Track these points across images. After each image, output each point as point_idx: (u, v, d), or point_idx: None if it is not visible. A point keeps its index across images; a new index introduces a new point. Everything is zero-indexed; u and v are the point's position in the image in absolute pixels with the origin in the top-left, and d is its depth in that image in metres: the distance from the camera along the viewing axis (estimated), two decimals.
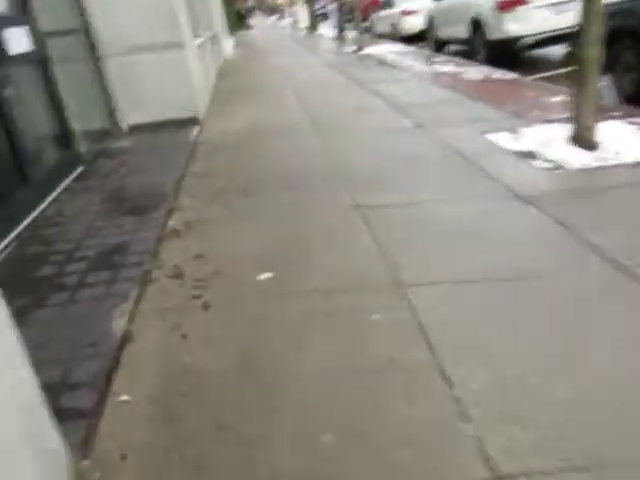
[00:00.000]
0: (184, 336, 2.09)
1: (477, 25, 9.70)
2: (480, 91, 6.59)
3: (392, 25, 15.94)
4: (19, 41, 3.69)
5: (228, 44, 14.57)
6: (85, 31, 5.44)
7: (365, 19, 17.36)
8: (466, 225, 2.90)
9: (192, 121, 5.92)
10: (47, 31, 4.52)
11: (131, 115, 5.83)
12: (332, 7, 34.98)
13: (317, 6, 29.01)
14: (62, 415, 1.63)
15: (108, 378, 1.85)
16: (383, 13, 16.74)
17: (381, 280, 2.42)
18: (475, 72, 8.15)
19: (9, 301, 2.43)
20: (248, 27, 32.32)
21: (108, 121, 5.73)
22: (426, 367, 1.82)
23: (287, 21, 40.61)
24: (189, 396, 1.76)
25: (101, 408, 1.72)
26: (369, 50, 13.13)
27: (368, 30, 18.43)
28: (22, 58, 3.80)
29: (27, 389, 1.33)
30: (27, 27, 3.82)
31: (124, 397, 1.77)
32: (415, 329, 2.03)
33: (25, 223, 3.32)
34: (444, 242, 2.74)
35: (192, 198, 3.69)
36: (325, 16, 33.31)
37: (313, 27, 22.80)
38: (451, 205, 3.21)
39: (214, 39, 10.72)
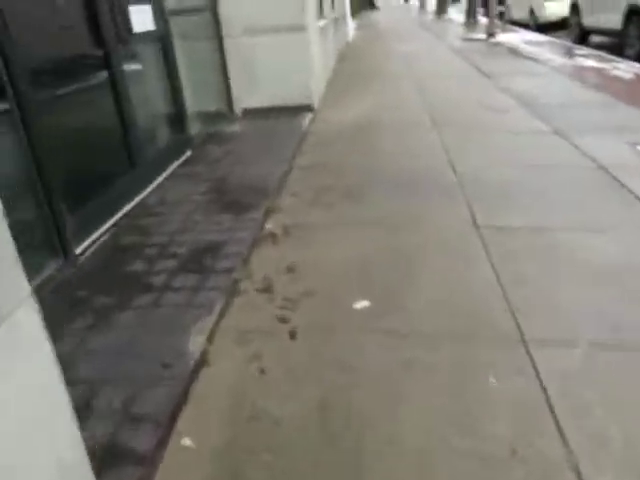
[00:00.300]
0: (262, 371, 1.85)
1: (633, 14, 8.52)
2: (632, 93, 5.71)
3: (531, 10, 14.65)
4: (143, 19, 3.64)
5: (351, 26, 14.22)
6: (211, 10, 5.38)
7: (500, 2, 16.16)
8: (608, 266, 2.38)
9: (306, 108, 5.70)
10: (174, 9, 4.48)
11: (246, 99, 5.73)
12: None
13: None
14: (116, 456, 1.46)
15: (174, 413, 1.65)
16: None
17: (499, 329, 2.01)
18: (626, 70, 7.14)
19: (94, 298, 2.38)
20: (374, 7, 31.66)
21: (223, 104, 5.68)
22: (558, 467, 1.42)
23: (414, 3, 39.32)
24: (257, 455, 1.51)
25: (161, 452, 1.52)
26: (501, 38, 12.16)
27: (502, 16, 17.19)
28: (145, 36, 3.75)
29: (68, 447, 1.14)
30: (151, 5, 3.75)
31: (187, 442, 1.56)
32: (542, 409, 1.62)
33: (126, 209, 3.28)
34: (579, 286, 2.25)
35: (294, 197, 3.46)
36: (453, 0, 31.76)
37: (442, 10, 21.75)
38: (590, 237, 2.68)
39: (338, 21, 10.43)
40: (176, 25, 4.77)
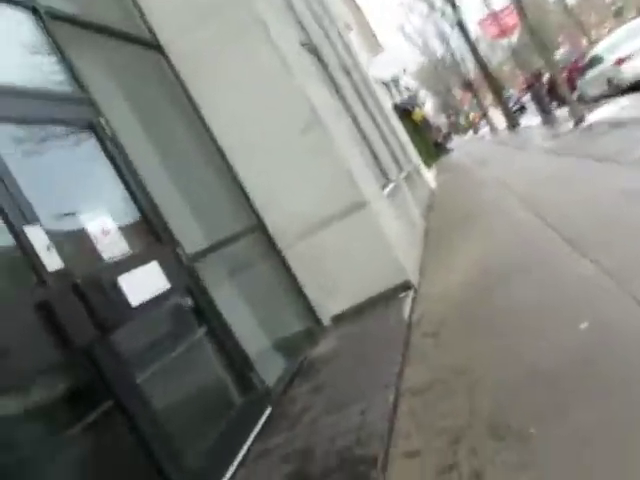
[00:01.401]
0: None
1: None
2: None
3: (608, 80, 13.33)
4: (147, 281, 2.83)
5: (429, 174, 13.63)
6: (258, 228, 4.69)
7: (573, 89, 15.05)
8: None
9: (403, 287, 4.51)
10: (208, 246, 3.79)
11: (330, 305, 4.69)
12: (526, 97, 33.14)
13: (510, 103, 27.45)
14: None
15: None
16: (591, 73, 14.30)
17: None
18: None
19: None
20: (447, 151, 32.02)
21: (305, 322, 4.67)
22: None
23: (484, 130, 39.67)
24: None
25: None
26: (593, 117, 10.75)
27: (579, 100, 15.98)
28: (159, 300, 2.92)
29: None
30: (157, 260, 2.97)
31: None
32: None
33: None
34: None
35: (410, 462, 2.05)
36: (522, 109, 31.41)
37: (513, 123, 21.04)
38: None
39: (410, 175, 9.73)
40: (219, 262, 4.05)
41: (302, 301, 4.68)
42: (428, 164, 15.14)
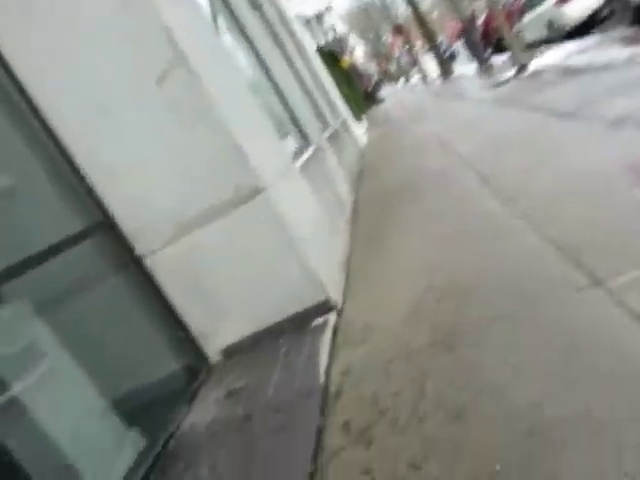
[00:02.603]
0: None
1: None
2: None
3: (549, 23, 12.25)
4: None
5: (359, 130, 12.21)
6: (107, 227, 3.14)
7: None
8: None
9: (320, 309, 3.16)
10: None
11: (218, 333, 3.28)
12: (458, 43, 32.06)
13: (440, 50, 26.20)
14: None
15: None
16: (529, 17, 13.17)
17: None
18: None
19: None
20: (379, 101, 30.59)
21: (183, 358, 3.25)
22: None
23: (415, 79, 38.49)
24: None
25: None
26: (536, 63, 9.64)
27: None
28: None
29: None
30: None
31: None
32: None
33: None
34: None
35: None
36: (453, 57, 30.30)
37: (447, 71, 19.86)
38: None
39: (337, 133, 8.26)
40: (33, 287, 2.55)
41: (174, 331, 3.23)
42: (358, 117, 13.69)
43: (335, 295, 3.26)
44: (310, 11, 11.79)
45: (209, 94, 3.02)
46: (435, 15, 63.54)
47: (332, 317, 3.08)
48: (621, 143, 3.51)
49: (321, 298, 3.16)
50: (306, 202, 3.88)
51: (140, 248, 3.19)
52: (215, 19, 4.77)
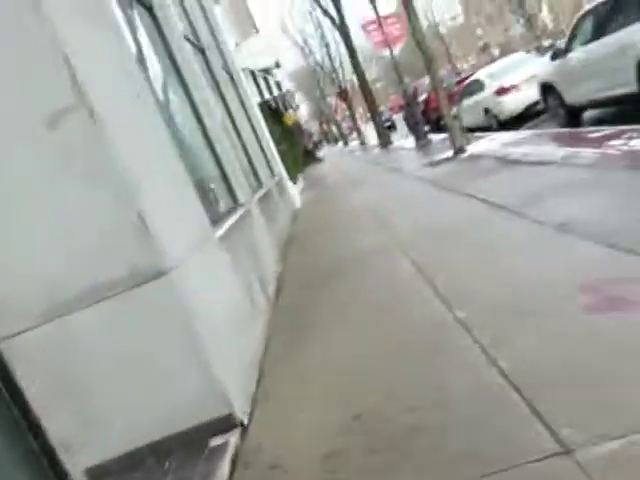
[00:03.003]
0: None
1: None
2: None
3: (486, 111, 12.70)
4: None
5: (294, 190, 11.88)
6: None
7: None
8: None
9: (221, 424, 2.53)
10: None
11: (85, 446, 2.55)
12: (398, 115, 33.33)
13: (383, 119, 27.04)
14: None
15: None
16: (468, 101, 13.65)
17: None
18: None
19: None
20: (318, 160, 30.84)
21: (34, 479, 2.48)
22: None
23: (354, 143, 39.48)
24: None
25: None
26: (473, 149, 9.79)
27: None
28: None
29: None
30: None
31: None
32: None
33: None
34: None
35: None
36: (391, 127, 31.38)
37: (385, 141, 20.27)
38: None
39: (270, 194, 7.79)
40: None
41: (26, 440, 2.48)
42: (294, 176, 13.40)
43: (241, 407, 2.65)
44: (259, 63, 11.58)
45: (114, 146, 2.44)
46: (379, 85, 66.63)
47: (234, 438, 2.46)
48: (569, 252, 3.24)
49: (223, 412, 2.53)
50: (222, 282, 3.30)
51: None
52: (140, 50, 4.22)
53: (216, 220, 4.01)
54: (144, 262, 2.45)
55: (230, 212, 4.71)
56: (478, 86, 13.17)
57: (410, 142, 16.86)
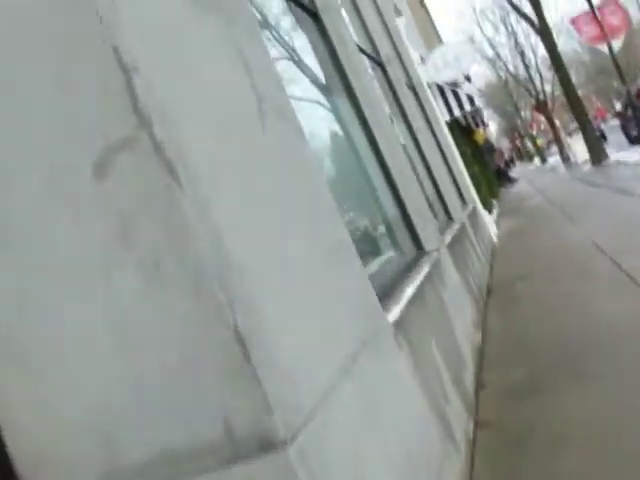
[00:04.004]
0: None
1: None
2: None
3: None
4: None
5: (489, 220, 10.15)
6: None
7: None
8: None
9: None
10: None
11: None
12: (606, 124, 28.89)
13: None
14: None
15: None
16: None
17: None
18: None
19: None
20: (512, 181, 27.99)
21: None
22: None
23: (553, 159, 35.43)
24: None
25: None
26: None
27: None
28: None
29: None
30: None
31: None
32: None
33: None
34: None
35: None
36: (602, 137, 27.06)
37: (599, 155, 17.13)
38: None
39: (462, 234, 6.30)
40: None
41: None
42: (488, 204, 11.62)
43: None
44: (446, 77, 10.32)
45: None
46: (580, 93, 59.84)
47: None
48: None
49: None
50: (395, 403, 2.02)
51: None
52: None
53: (388, 293, 2.77)
54: (247, 426, 1.30)
55: (411, 270, 3.42)
56: None
57: (634, 155, 13.85)
